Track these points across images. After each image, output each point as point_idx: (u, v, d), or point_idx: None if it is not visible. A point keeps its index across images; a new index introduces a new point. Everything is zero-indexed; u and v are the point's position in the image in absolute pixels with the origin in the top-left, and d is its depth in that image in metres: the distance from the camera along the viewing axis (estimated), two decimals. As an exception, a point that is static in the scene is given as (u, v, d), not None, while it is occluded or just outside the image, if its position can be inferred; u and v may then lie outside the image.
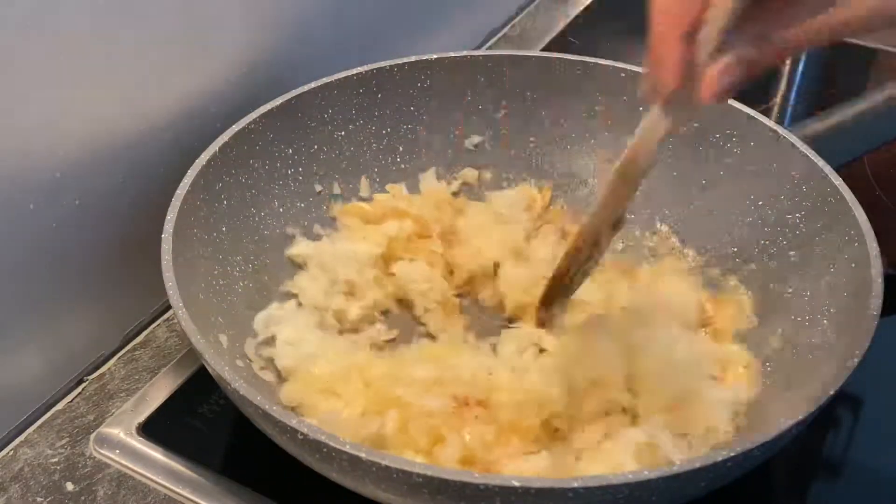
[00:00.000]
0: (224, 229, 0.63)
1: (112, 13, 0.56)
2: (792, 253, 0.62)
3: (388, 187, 0.73)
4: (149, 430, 0.60)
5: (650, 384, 0.58)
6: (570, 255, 0.56)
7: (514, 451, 0.54)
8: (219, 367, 0.48)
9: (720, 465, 0.44)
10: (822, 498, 0.59)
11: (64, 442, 0.60)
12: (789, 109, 0.94)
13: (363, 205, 0.71)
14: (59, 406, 0.63)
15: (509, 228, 0.70)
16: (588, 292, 0.61)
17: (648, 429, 0.55)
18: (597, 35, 1.03)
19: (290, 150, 0.69)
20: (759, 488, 0.58)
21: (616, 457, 0.53)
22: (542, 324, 0.60)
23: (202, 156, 0.61)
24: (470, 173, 0.76)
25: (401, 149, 0.74)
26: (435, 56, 0.72)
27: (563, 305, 0.59)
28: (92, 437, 0.60)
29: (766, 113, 0.82)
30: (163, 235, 0.55)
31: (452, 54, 0.73)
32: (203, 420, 0.61)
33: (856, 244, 0.56)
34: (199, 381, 0.63)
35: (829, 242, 0.59)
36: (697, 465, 0.43)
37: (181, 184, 0.59)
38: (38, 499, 0.57)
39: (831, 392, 0.47)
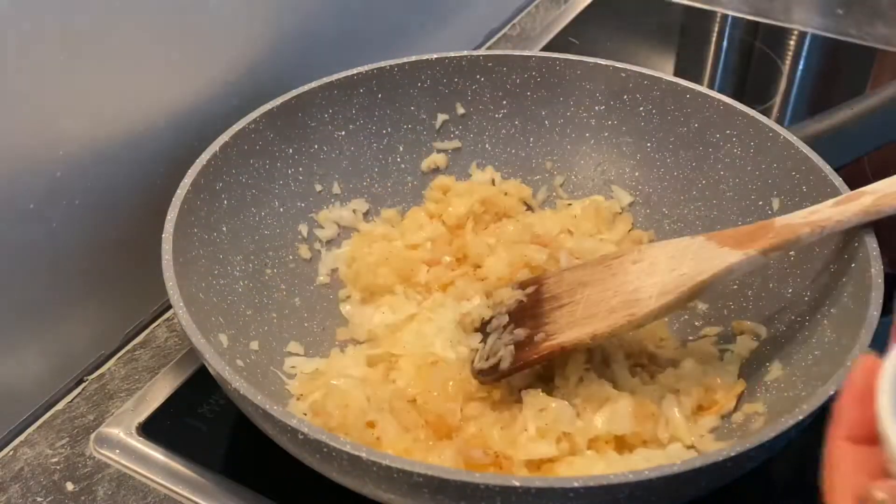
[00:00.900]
0: (224, 229, 0.63)
1: (112, 13, 0.56)
2: (792, 253, 0.62)
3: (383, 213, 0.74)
4: (149, 430, 0.60)
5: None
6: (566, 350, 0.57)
7: None
8: (219, 367, 0.48)
9: (720, 465, 0.44)
10: (822, 498, 0.58)
11: (64, 442, 0.60)
12: (789, 109, 0.95)
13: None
14: (59, 406, 0.63)
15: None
16: None
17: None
18: (597, 35, 1.03)
19: (290, 150, 0.69)
20: (759, 488, 0.58)
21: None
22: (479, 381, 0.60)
23: (202, 156, 0.61)
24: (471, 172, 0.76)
25: (401, 148, 0.74)
26: (435, 56, 0.73)
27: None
28: (92, 437, 0.60)
29: (766, 113, 0.82)
30: (163, 235, 0.55)
31: (452, 54, 0.73)
32: (203, 420, 0.61)
33: (856, 244, 0.56)
34: (199, 381, 0.63)
35: (829, 242, 0.59)
36: (697, 464, 0.43)
37: (181, 184, 0.59)
38: (38, 499, 0.57)
39: (831, 392, 0.47)
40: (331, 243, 0.71)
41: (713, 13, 1.09)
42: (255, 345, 0.61)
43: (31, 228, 0.57)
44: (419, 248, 0.70)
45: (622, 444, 0.56)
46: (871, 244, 0.55)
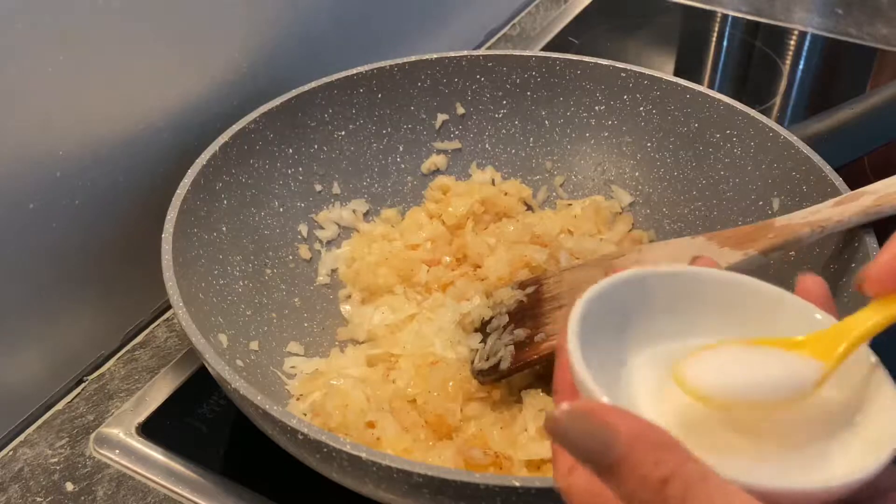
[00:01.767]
0: (224, 229, 0.63)
1: (112, 13, 0.56)
2: (792, 253, 0.62)
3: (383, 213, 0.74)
4: (148, 430, 0.60)
5: None
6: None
7: None
8: (219, 367, 0.48)
9: (720, 465, 0.44)
10: (823, 498, 0.58)
11: (63, 442, 0.60)
12: (789, 109, 0.95)
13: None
14: (59, 406, 0.63)
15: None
16: None
17: None
18: (597, 35, 1.03)
19: (290, 150, 0.69)
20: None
21: None
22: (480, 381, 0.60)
23: (202, 155, 0.61)
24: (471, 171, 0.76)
25: (401, 148, 0.74)
26: (435, 56, 0.73)
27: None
28: (92, 437, 0.60)
29: (767, 113, 0.82)
30: (163, 235, 0.55)
31: (452, 54, 0.73)
32: (203, 420, 0.61)
33: (855, 244, 0.56)
34: (199, 381, 0.63)
35: (829, 243, 0.59)
36: (697, 465, 0.43)
37: (181, 183, 0.59)
38: (38, 499, 0.57)
39: (831, 392, 0.47)
40: (331, 243, 0.71)
41: (713, 13, 1.09)
42: (254, 345, 0.61)
43: (31, 228, 0.56)
44: (419, 248, 0.70)
45: None
46: (871, 244, 0.55)
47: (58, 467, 0.59)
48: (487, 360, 0.60)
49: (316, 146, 0.70)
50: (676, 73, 0.80)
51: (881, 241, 0.55)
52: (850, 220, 0.55)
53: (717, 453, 0.30)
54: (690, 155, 0.71)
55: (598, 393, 0.31)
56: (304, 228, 0.69)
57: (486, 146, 0.76)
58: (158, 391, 0.63)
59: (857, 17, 1.07)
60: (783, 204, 0.64)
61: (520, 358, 0.58)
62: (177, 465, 0.58)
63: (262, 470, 0.57)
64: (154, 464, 0.58)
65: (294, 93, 0.67)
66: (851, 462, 0.32)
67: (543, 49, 0.99)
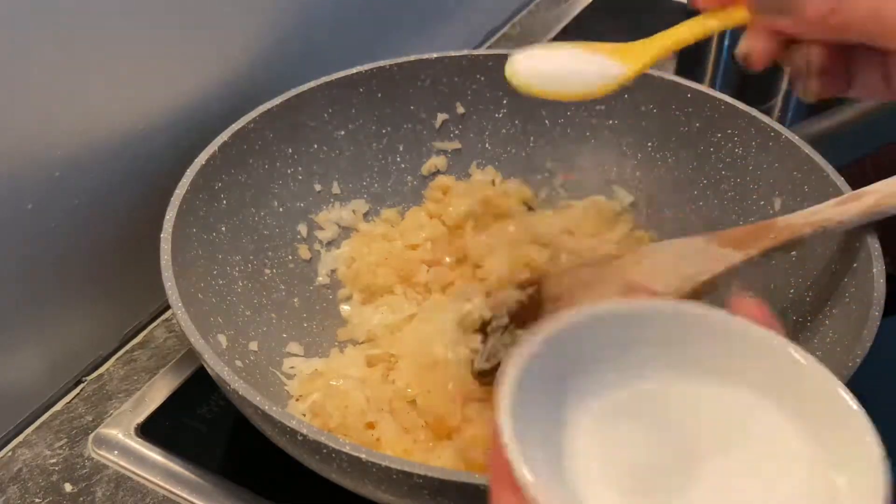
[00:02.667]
0: (224, 229, 0.63)
1: (112, 12, 0.56)
2: (793, 253, 0.62)
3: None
4: (147, 430, 0.60)
5: None
6: None
7: None
8: (218, 367, 0.48)
9: (721, 465, 0.44)
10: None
11: (62, 443, 0.60)
12: (791, 109, 0.94)
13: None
14: (58, 407, 0.63)
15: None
16: None
17: None
18: (597, 35, 1.02)
19: (290, 150, 0.69)
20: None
21: None
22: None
23: (202, 155, 0.61)
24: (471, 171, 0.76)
25: (401, 148, 0.74)
26: (435, 56, 0.72)
27: None
28: (90, 437, 0.60)
29: (767, 112, 0.81)
30: (162, 235, 0.55)
31: (452, 54, 0.73)
32: (202, 420, 0.61)
33: (857, 244, 0.56)
34: (198, 382, 0.63)
35: (830, 242, 0.59)
36: (699, 465, 0.43)
37: (180, 183, 0.59)
38: (37, 500, 0.56)
39: (832, 392, 0.47)
40: (330, 244, 0.71)
41: (714, 13, 1.09)
42: (254, 345, 0.61)
43: (30, 228, 0.56)
44: (419, 249, 0.70)
45: None
46: (873, 244, 0.55)
47: (56, 468, 0.58)
48: (488, 360, 0.60)
49: (316, 146, 0.70)
50: (677, 73, 0.80)
51: (882, 241, 0.55)
52: (852, 220, 0.55)
53: None
54: (691, 155, 0.71)
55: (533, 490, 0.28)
56: (303, 228, 0.69)
57: (486, 146, 0.76)
58: (157, 392, 0.63)
59: (857, 17, 1.07)
60: (785, 204, 0.64)
61: None
62: (176, 466, 0.58)
63: (261, 470, 0.57)
64: (153, 464, 0.58)
65: (294, 93, 0.67)
66: None
67: (543, 49, 0.99)
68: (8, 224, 0.55)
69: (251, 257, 0.64)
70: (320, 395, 0.58)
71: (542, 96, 0.36)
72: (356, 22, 0.80)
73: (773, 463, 0.31)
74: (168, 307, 0.68)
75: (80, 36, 0.55)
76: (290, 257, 0.68)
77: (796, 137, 0.64)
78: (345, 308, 0.68)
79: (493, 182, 0.75)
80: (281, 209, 0.68)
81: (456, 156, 0.76)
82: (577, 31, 1.03)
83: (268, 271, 0.66)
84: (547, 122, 0.75)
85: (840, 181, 0.60)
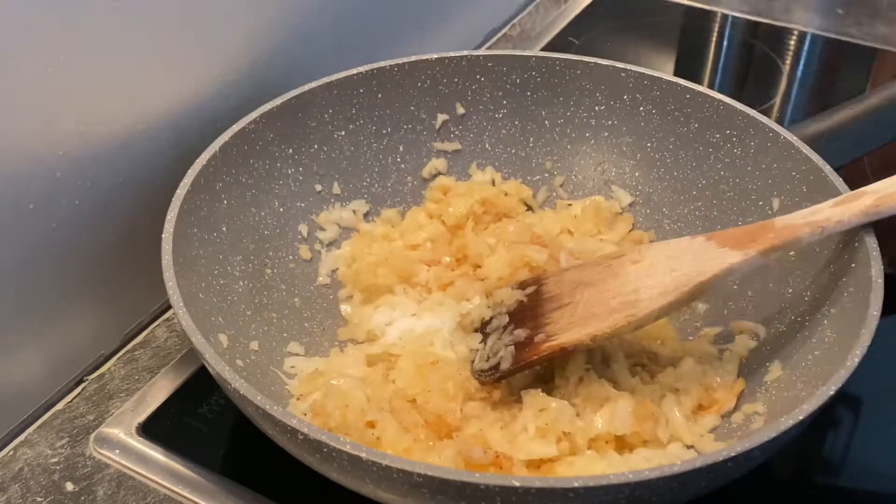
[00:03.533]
0: (224, 229, 0.63)
1: (112, 13, 0.56)
2: (792, 253, 0.62)
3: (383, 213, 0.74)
4: (149, 430, 0.60)
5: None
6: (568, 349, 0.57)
7: None
8: (219, 367, 0.48)
9: (720, 465, 0.44)
10: (822, 498, 0.59)
11: (64, 442, 0.60)
12: (789, 109, 0.95)
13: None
14: (59, 406, 0.63)
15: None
16: None
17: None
18: (597, 35, 1.03)
19: (290, 150, 0.69)
20: (760, 488, 0.58)
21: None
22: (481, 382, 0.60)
23: (202, 156, 0.61)
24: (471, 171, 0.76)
25: (401, 148, 0.74)
26: (435, 56, 0.72)
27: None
28: (92, 437, 0.60)
29: (767, 113, 0.82)
30: (163, 235, 0.55)
31: (452, 54, 0.73)
32: (203, 420, 0.61)
33: (856, 244, 0.56)
34: (199, 381, 0.63)
35: (829, 242, 0.59)
36: (697, 464, 0.43)
37: (181, 183, 0.59)
38: (38, 499, 0.57)
39: (831, 392, 0.47)
40: (331, 244, 0.71)
41: (713, 13, 1.09)
42: (255, 345, 0.61)
43: (31, 228, 0.56)
44: (419, 249, 0.70)
45: (622, 444, 0.56)
46: (872, 244, 0.55)
47: (58, 467, 0.59)
48: (488, 360, 0.60)
49: (316, 146, 0.70)
50: (676, 73, 0.80)
51: (881, 241, 0.55)
52: (851, 220, 0.55)
53: None
54: (690, 155, 0.71)
55: None
56: (304, 228, 0.69)
57: (486, 146, 0.76)
58: (158, 391, 0.63)
59: (857, 17, 1.07)
60: (783, 204, 0.64)
61: (520, 358, 0.58)
62: (177, 465, 0.58)
63: (262, 470, 0.57)
64: (154, 464, 0.58)
65: (294, 93, 0.67)
66: None
67: (543, 49, 0.99)
68: (9, 224, 0.55)
69: (252, 257, 0.65)
70: (321, 395, 0.58)
71: None
72: (356, 23, 0.80)
73: None
74: (169, 307, 0.69)
75: (81, 36, 0.55)
76: (291, 257, 0.68)
77: (795, 138, 0.64)
78: (345, 308, 0.68)
79: (492, 182, 0.75)
80: (282, 209, 0.68)
81: (456, 156, 0.76)
82: (577, 31, 1.03)
83: (269, 271, 0.66)
84: (547, 122, 0.75)
85: (838, 181, 0.60)
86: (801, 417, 0.46)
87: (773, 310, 0.62)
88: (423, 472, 0.43)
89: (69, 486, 0.57)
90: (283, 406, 0.57)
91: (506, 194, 0.73)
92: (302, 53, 0.74)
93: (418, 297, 0.68)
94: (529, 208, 0.75)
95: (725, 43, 1.07)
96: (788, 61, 1.01)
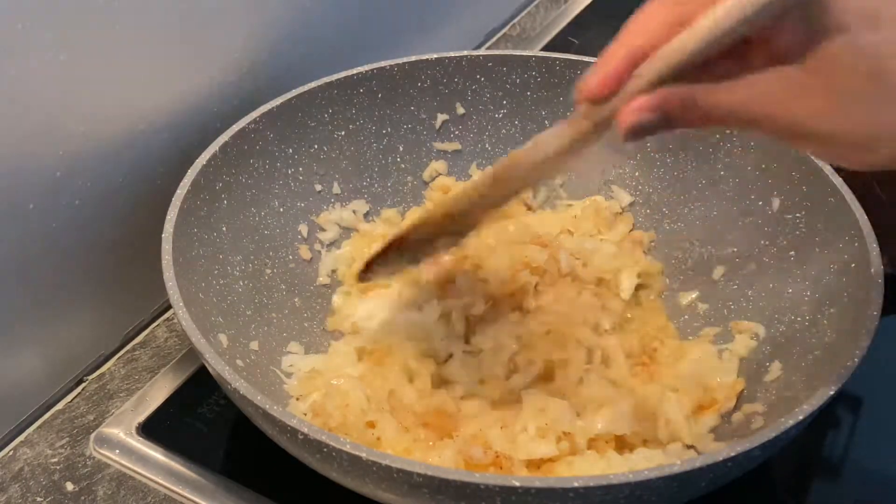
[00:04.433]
0: (224, 229, 0.63)
1: (112, 13, 0.56)
2: (792, 253, 0.62)
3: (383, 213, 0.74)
4: (149, 430, 0.60)
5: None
6: (422, 222, 0.55)
7: None
8: (219, 366, 0.48)
9: (720, 465, 0.44)
10: (822, 498, 0.59)
11: (64, 442, 0.60)
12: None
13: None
14: (59, 406, 0.63)
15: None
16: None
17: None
18: (597, 35, 1.03)
19: (290, 150, 0.69)
20: (759, 488, 0.58)
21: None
22: (361, 280, 0.59)
23: (202, 156, 0.61)
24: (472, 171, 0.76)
25: (401, 148, 0.74)
26: (435, 56, 0.72)
27: (394, 269, 0.58)
28: (92, 437, 0.60)
29: (766, 113, 0.82)
30: (163, 235, 0.55)
31: (452, 54, 0.73)
32: (203, 420, 0.61)
33: (856, 244, 0.56)
34: (199, 381, 0.63)
35: (829, 242, 0.59)
36: (697, 464, 0.43)
37: (181, 183, 0.59)
38: (38, 499, 0.57)
39: (831, 392, 0.47)
40: (331, 244, 0.71)
41: (713, 13, 1.09)
42: (254, 345, 0.61)
43: (31, 228, 0.56)
44: None
45: (622, 444, 0.56)
46: (872, 244, 0.55)
47: (58, 467, 0.59)
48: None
49: (316, 146, 0.70)
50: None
51: (881, 241, 0.55)
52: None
53: None
54: (690, 155, 0.71)
55: None
56: (304, 229, 0.69)
57: (486, 146, 0.76)
58: (158, 391, 0.63)
59: (857, 17, 1.07)
60: (783, 204, 0.64)
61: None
62: (177, 465, 0.58)
63: (262, 470, 0.57)
64: (154, 464, 0.58)
65: (294, 93, 0.67)
66: None
67: (543, 49, 0.99)
68: (9, 224, 0.55)
69: (252, 257, 0.65)
70: (321, 395, 0.58)
71: None
72: (356, 22, 0.80)
73: None
74: (169, 307, 0.69)
75: (81, 36, 0.55)
76: (291, 257, 0.68)
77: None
78: (335, 299, 0.68)
79: None
80: (282, 209, 0.68)
81: (456, 156, 0.76)
82: (577, 31, 1.03)
83: (268, 271, 0.66)
84: (547, 122, 0.75)
85: (838, 181, 0.60)
86: (801, 417, 0.46)
87: (773, 310, 0.62)
88: (423, 472, 0.43)
89: (69, 486, 0.57)
90: (283, 406, 0.57)
91: None
92: (302, 53, 0.74)
93: (412, 293, 0.68)
94: (529, 209, 0.75)
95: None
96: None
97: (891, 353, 0.62)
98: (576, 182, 0.76)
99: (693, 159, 0.71)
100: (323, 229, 0.71)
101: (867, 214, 0.57)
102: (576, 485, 0.42)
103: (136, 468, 0.58)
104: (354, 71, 0.70)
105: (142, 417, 0.61)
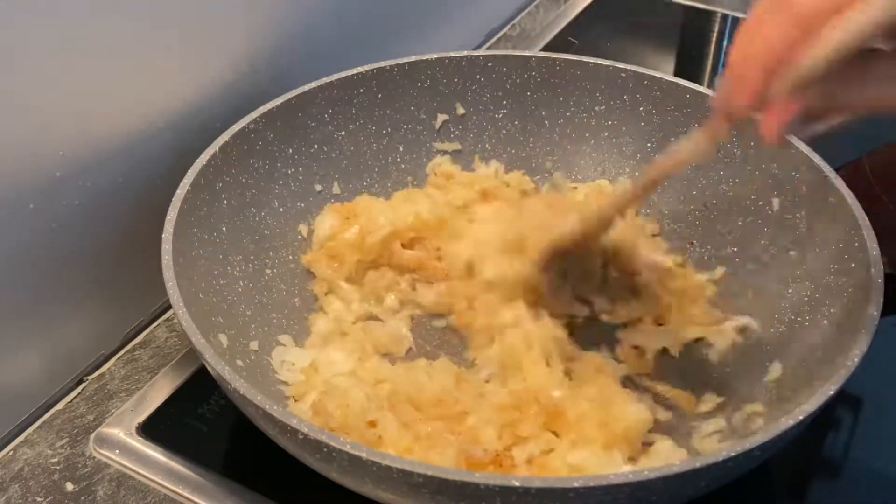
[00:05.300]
0: (224, 229, 0.63)
1: (112, 13, 0.56)
2: (792, 253, 0.62)
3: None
4: (149, 430, 0.60)
5: None
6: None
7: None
8: (219, 367, 0.48)
9: (720, 465, 0.44)
10: (822, 498, 0.59)
11: (64, 442, 0.60)
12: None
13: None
14: (59, 406, 0.63)
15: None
16: None
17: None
18: (597, 35, 1.03)
19: (290, 150, 0.69)
20: (759, 488, 0.58)
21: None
22: None
23: (202, 156, 0.61)
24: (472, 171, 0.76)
25: (401, 149, 0.74)
26: (435, 56, 0.73)
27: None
28: (92, 437, 0.60)
29: (766, 113, 0.82)
30: (163, 235, 0.55)
31: (452, 54, 0.73)
32: (203, 420, 0.61)
33: (856, 244, 0.56)
34: (199, 381, 0.63)
35: (829, 243, 0.59)
36: (697, 465, 0.43)
37: (181, 184, 0.59)
38: (38, 499, 0.57)
39: (831, 392, 0.47)
40: (331, 243, 0.71)
41: (713, 13, 1.09)
42: (254, 345, 0.61)
43: (31, 228, 0.56)
44: None
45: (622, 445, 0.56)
46: (872, 244, 0.55)
47: (58, 467, 0.59)
48: None
49: (316, 146, 0.70)
50: (676, 74, 0.80)
51: (881, 241, 0.55)
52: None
53: None
54: (690, 155, 0.71)
55: None
56: (304, 229, 0.69)
57: (487, 146, 0.76)
58: (158, 391, 0.63)
59: (857, 18, 1.07)
60: (783, 204, 0.64)
61: None
62: (177, 465, 0.58)
63: (262, 470, 0.57)
64: (154, 464, 0.58)
65: (294, 93, 0.68)
66: None
67: (543, 49, 0.99)
68: (9, 224, 0.55)
69: (252, 257, 0.65)
70: (321, 395, 0.58)
71: None
72: (356, 23, 0.80)
73: None
74: (169, 307, 0.69)
75: (81, 36, 0.55)
76: (291, 257, 0.68)
77: (794, 138, 0.64)
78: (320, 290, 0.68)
79: (495, 174, 0.75)
80: (281, 209, 0.68)
81: (456, 157, 0.76)
82: (577, 31, 1.03)
83: (268, 271, 0.66)
84: (547, 122, 0.75)
85: (838, 181, 0.60)
86: (801, 417, 0.46)
87: (773, 310, 0.62)
88: (423, 472, 0.43)
89: (69, 486, 0.57)
90: (283, 406, 0.57)
91: (507, 185, 0.74)
92: (302, 53, 0.74)
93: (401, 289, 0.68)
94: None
95: (725, 43, 1.07)
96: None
97: (891, 353, 0.62)
98: (576, 182, 0.76)
99: (693, 159, 0.71)
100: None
101: (867, 214, 0.57)
102: (576, 485, 0.42)
103: (136, 468, 0.58)
104: (354, 71, 0.70)
105: (142, 417, 0.61)
